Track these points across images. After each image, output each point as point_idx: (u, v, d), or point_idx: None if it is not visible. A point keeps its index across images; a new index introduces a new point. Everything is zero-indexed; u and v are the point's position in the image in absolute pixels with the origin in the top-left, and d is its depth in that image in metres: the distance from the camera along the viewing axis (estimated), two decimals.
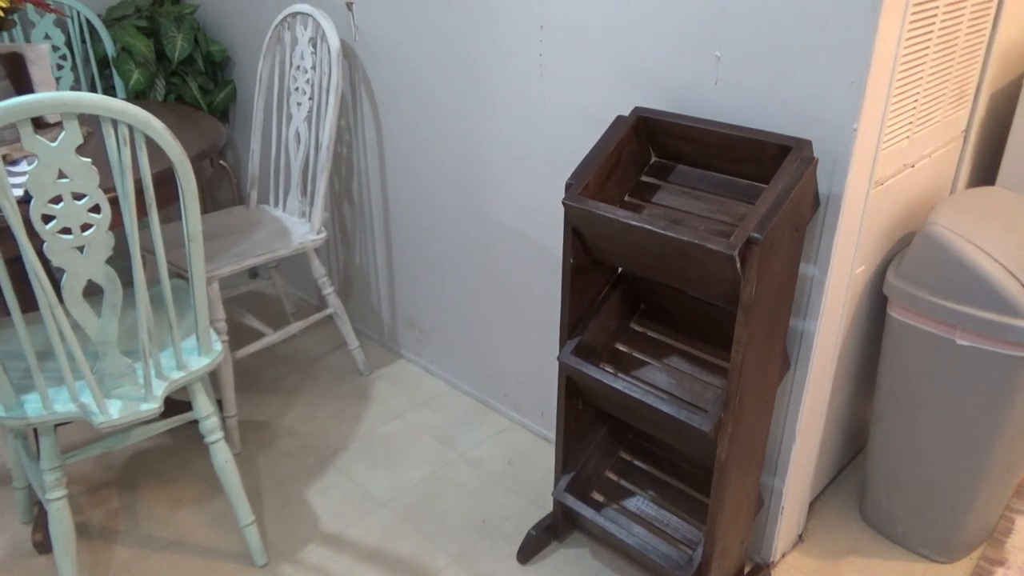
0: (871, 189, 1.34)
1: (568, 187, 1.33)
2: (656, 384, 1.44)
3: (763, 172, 1.28)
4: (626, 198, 1.42)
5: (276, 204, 2.17)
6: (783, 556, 1.65)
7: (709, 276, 1.21)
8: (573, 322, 1.46)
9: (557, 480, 1.61)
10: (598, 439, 1.62)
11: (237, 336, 2.45)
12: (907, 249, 1.49)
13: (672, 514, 1.55)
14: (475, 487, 1.85)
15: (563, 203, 1.31)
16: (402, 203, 2.13)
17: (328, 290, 2.13)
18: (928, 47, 1.33)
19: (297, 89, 2.06)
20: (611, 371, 1.49)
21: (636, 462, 1.65)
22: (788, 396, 1.46)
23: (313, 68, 2.01)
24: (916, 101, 1.38)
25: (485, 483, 1.86)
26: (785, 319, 1.32)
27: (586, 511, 1.54)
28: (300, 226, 2.07)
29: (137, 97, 2.38)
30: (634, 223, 1.22)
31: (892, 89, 1.26)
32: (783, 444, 1.50)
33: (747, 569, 1.59)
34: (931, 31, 1.31)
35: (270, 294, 2.69)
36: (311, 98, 2.03)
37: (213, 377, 2.02)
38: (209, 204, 2.72)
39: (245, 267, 1.87)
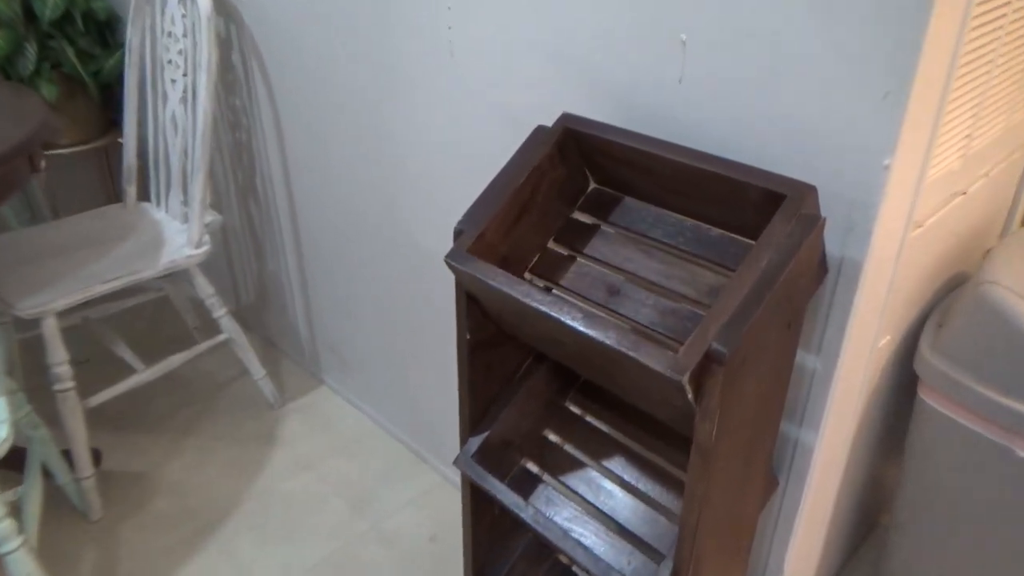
0: (907, 235, 0.91)
1: (456, 235, 0.90)
2: (589, 508, 1.03)
3: (743, 220, 0.86)
4: (550, 244, 1.00)
5: (159, 203, 1.76)
6: None
7: (651, 393, 0.80)
8: (477, 412, 1.06)
9: None
10: (516, 554, 1.23)
11: (106, 369, 2.03)
12: (950, 310, 1.06)
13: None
14: (385, 573, 1.47)
15: (446, 262, 0.89)
16: (310, 207, 1.71)
17: (219, 312, 1.73)
18: (1003, 22, 0.87)
19: (170, 62, 1.62)
20: (530, 478, 1.09)
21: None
22: (775, 520, 1.06)
23: (185, 35, 1.56)
24: (979, 104, 0.93)
25: (398, 570, 1.49)
26: (771, 433, 0.91)
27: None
28: (179, 235, 1.66)
29: None
30: (540, 308, 0.80)
31: (948, 95, 0.82)
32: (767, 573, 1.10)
33: None
34: None
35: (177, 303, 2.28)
36: (185, 74, 1.59)
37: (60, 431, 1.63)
38: (80, 201, 2.29)
39: (88, 297, 1.46)
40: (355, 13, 1.32)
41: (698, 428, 0.74)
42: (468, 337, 0.97)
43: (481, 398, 1.05)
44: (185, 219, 1.70)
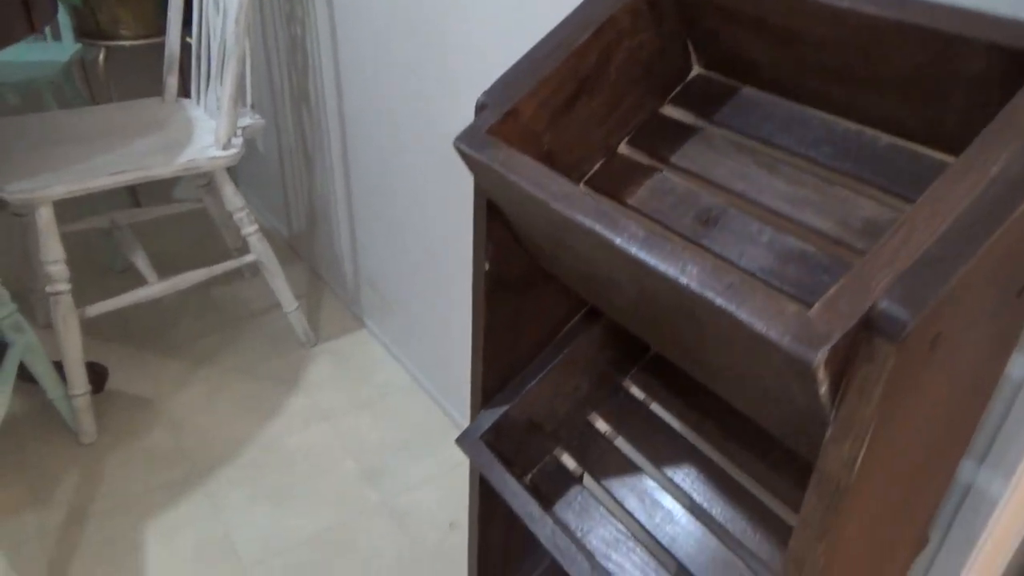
0: None
1: (478, 110, 0.60)
2: (638, 530, 0.73)
3: (941, 119, 0.51)
4: (622, 148, 0.68)
5: (198, 100, 1.55)
6: None
7: (751, 382, 0.48)
8: (495, 378, 0.76)
9: None
10: (537, 572, 0.93)
11: (120, 280, 1.85)
12: None
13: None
14: (388, 564, 1.22)
15: (455, 146, 0.59)
16: (359, 118, 1.44)
17: (249, 229, 1.50)
18: None
19: None
20: (562, 476, 0.79)
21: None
22: None
23: None
24: None
25: (406, 557, 1.23)
26: (946, 472, 0.57)
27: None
28: (209, 134, 1.44)
29: None
30: (576, 217, 0.49)
31: None
32: None
33: None
34: None
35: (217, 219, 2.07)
36: None
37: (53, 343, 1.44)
38: (135, 96, 2.11)
39: (85, 190, 1.25)
40: None
41: (828, 450, 0.42)
42: (487, 267, 0.68)
43: (503, 359, 0.75)
44: None
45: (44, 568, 1.18)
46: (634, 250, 0.45)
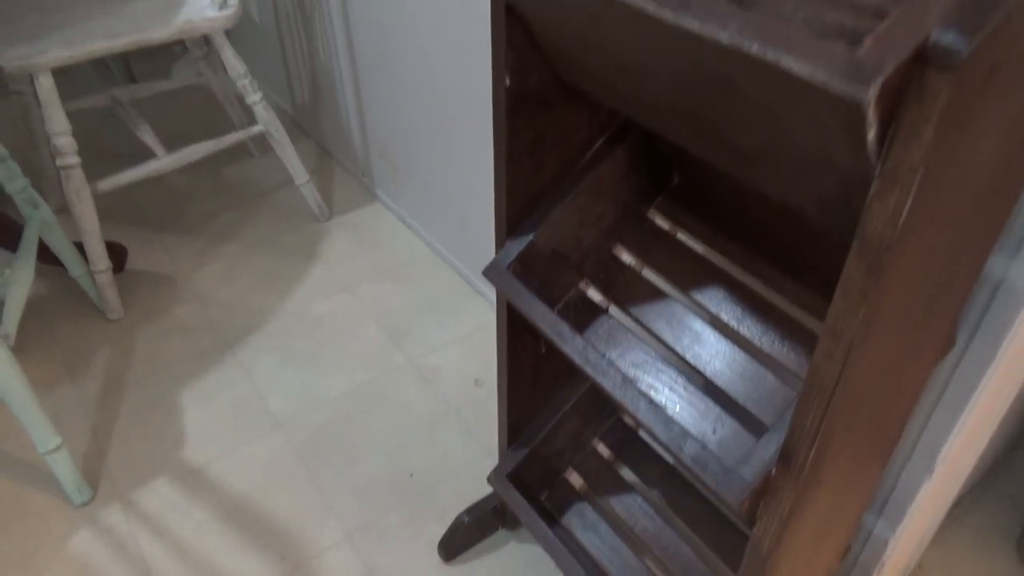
0: None
1: None
2: (668, 353, 0.73)
3: None
4: None
5: None
6: None
7: (791, 150, 0.47)
8: (519, 206, 0.75)
9: (502, 453, 0.98)
10: (569, 404, 0.95)
11: (127, 162, 1.82)
12: None
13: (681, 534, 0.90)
14: (417, 416, 1.25)
15: None
16: None
17: (254, 97, 1.46)
18: None
19: None
20: (588, 307, 0.79)
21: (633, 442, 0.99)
22: (938, 394, 0.73)
23: None
24: None
25: (433, 411, 1.26)
26: (982, 250, 0.57)
27: (532, 518, 0.92)
28: None
29: None
30: None
31: None
32: (904, 476, 0.79)
33: None
34: None
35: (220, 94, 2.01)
36: None
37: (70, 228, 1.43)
38: None
39: (88, 55, 1.22)
40: None
41: (872, 206, 0.40)
42: (508, 83, 0.65)
43: (526, 185, 0.74)
44: None
45: (87, 432, 1.22)
46: (670, 16, 0.43)
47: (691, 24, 0.42)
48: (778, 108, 0.42)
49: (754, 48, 0.38)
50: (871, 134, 0.37)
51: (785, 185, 0.50)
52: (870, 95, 0.35)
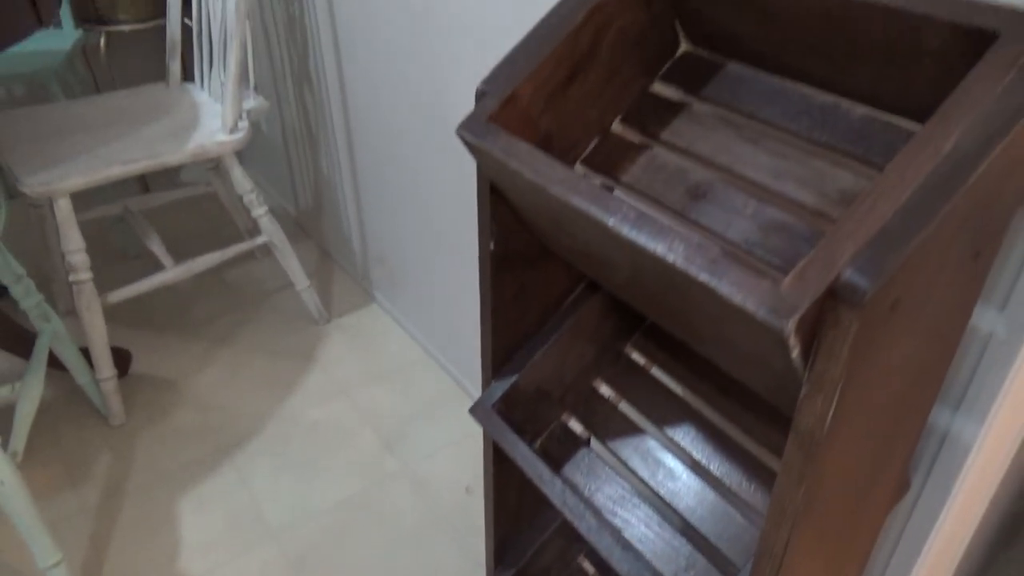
0: None
1: (478, 98, 0.64)
2: (643, 488, 0.78)
3: (911, 88, 0.55)
4: (615, 126, 0.72)
5: (202, 84, 1.58)
6: None
7: (736, 347, 0.52)
8: (503, 350, 0.81)
9: (489, 573, 1.01)
10: (555, 525, 0.99)
11: (135, 265, 1.89)
12: None
13: None
14: (409, 526, 1.28)
15: (458, 135, 0.63)
16: (361, 97, 1.47)
17: (259, 211, 1.54)
18: None
19: None
20: (570, 439, 0.84)
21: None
22: (899, 533, 0.77)
23: None
24: None
25: (425, 520, 1.29)
26: (917, 423, 0.62)
27: None
28: (216, 119, 1.47)
29: None
30: (572, 200, 0.53)
31: None
32: None
33: None
34: None
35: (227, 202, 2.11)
36: None
37: (76, 330, 1.50)
38: (136, 82, 2.13)
39: (106, 179, 1.30)
40: None
41: (803, 406, 0.46)
42: (492, 247, 0.72)
43: (510, 331, 0.80)
44: None
45: (86, 542, 1.25)
46: (625, 230, 0.49)
47: (644, 242, 0.48)
48: (722, 315, 0.48)
49: (698, 275, 0.45)
50: (795, 352, 0.43)
51: (733, 366, 0.56)
52: (791, 326, 0.41)
